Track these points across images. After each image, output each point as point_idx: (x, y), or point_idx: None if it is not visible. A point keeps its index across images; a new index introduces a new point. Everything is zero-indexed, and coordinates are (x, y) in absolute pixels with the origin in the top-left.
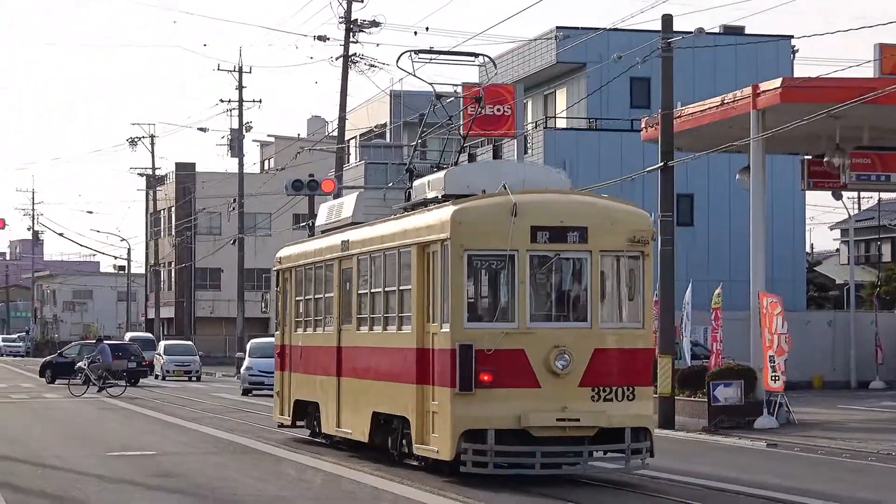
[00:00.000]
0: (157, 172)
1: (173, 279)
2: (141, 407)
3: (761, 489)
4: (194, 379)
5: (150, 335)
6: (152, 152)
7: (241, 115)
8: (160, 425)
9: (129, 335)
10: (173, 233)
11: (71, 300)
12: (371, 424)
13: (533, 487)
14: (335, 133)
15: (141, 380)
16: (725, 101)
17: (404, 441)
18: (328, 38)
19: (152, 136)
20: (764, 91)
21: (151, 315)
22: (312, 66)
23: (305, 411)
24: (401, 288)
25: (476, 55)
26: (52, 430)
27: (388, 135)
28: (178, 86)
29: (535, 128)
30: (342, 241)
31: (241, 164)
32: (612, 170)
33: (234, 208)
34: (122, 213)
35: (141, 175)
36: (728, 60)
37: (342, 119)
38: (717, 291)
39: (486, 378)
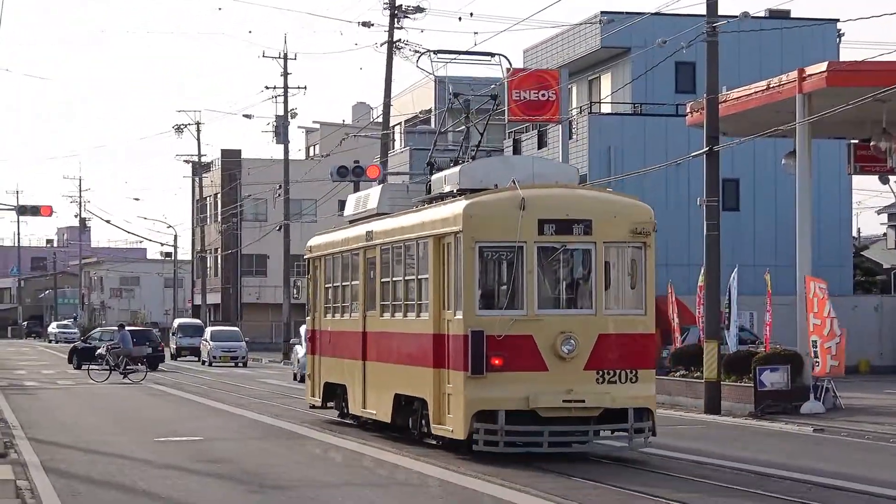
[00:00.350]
0: (203, 159)
1: (219, 265)
2: (188, 393)
3: (807, 474)
4: (241, 365)
5: (199, 321)
6: (198, 139)
7: (286, 102)
8: (207, 411)
9: (177, 321)
10: (219, 219)
11: (118, 287)
12: (393, 406)
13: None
14: (380, 119)
15: (159, 364)
16: (771, 86)
17: (424, 421)
18: (373, 24)
19: (198, 124)
20: (810, 75)
21: (198, 301)
22: (357, 53)
23: (335, 393)
24: (419, 277)
25: (492, 55)
26: (100, 415)
27: (432, 120)
28: (224, 73)
29: (580, 113)
30: (367, 232)
31: (286, 151)
32: (657, 155)
33: (279, 195)
34: (169, 200)
35: (187, 162)
36: (773, 44)
37: (387, 105)
38: (767, 276)
39: (496, 362)
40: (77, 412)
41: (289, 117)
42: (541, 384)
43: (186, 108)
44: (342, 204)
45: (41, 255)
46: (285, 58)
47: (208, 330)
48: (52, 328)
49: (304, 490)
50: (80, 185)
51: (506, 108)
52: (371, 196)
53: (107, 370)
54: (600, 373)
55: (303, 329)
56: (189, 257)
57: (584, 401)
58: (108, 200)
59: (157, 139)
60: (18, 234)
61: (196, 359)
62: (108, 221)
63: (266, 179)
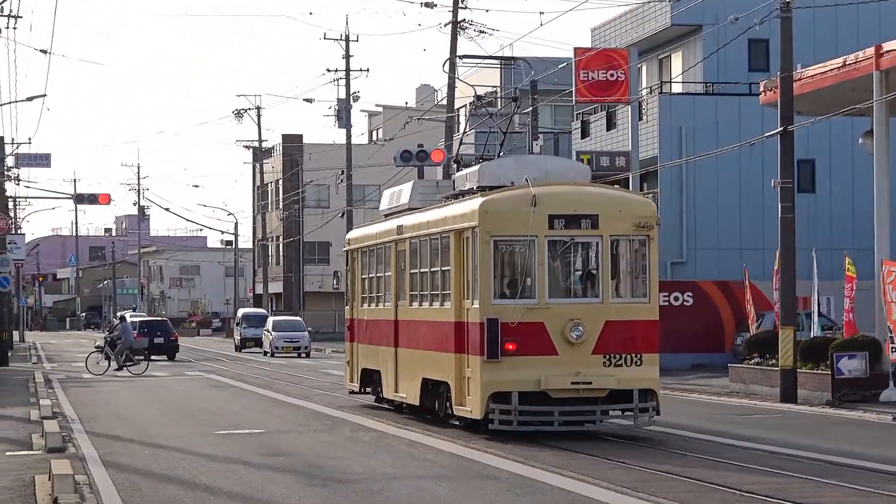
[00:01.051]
0: (264, 145)
1: (281, 254)
2: (249, 384)
3: (886, 464)
4: (304, 356)
5: (263, 311)
6: (258, 124)
7: (348, 85)
8: (269, 403)
9: (241, 311)
10: (281, 206)
11: (178, 276)
12: (421, 389)
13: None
14: (444, 101)
15: (176, 355)
16: (847, 63)
17: (448, 403)
18: (436, 5)
19: (258, 108)
20: (888, 51)
21: (259, 290)
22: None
23: (371, 379)
24: (443, 269)
25: (515, 59)
26: (160, 408)
27: (499, 102)
28: (284, 56)
29: (650, 93)
30: (398, 226)
31: (348, 135)
32: (729, 135)
33: (342, 180)
34: (229, 187)
35: (247, 147)
36: (849, 20)
37: (451, 87)
38: (847, 259)
39: (510, 347)
40: (137, 405)
41: (351, 101)
42: (551, 367)
43: (246, 93)
44: None
45: (100, 244)
46: (347, 40)
47: (270, 320)
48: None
49: (369, 483)
50: (138, 173)
51: (573, 88)
52: (403, 191)
53: (116, 361)
54: (607, 357)
55: None
56: (250, 245)
57: (591, 382)
58: (167, 188)
59: (217, 125)
60: (76, 223)
61: (262, 350)
62: (167, 209)
63: (328, 165)
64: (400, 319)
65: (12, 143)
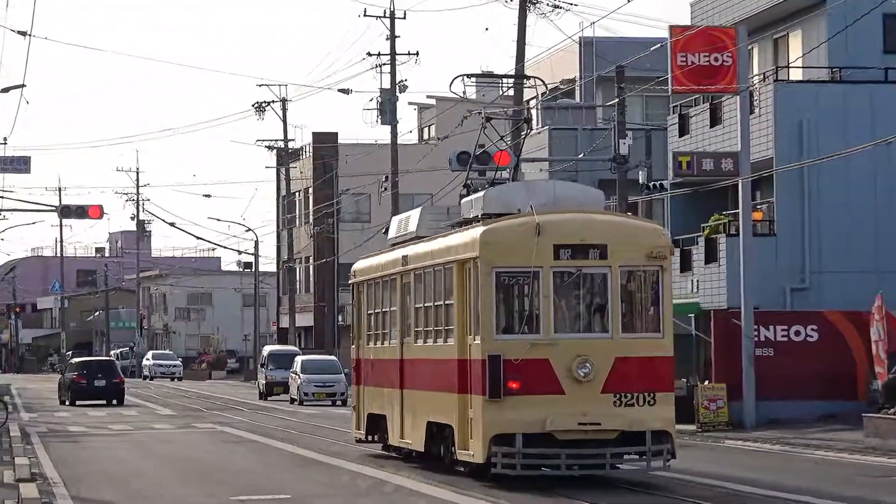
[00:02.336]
0: (291, 145)
1: (312, 278)
2: (271, 438)
3: None
4: (340, 403)
5: (294, 349)
6: (284, 120)
7: (393, 72)
8: (297, 461)
9: (267, 350)
10: (311, 220)
11: (185, 306)
12: (426, 434)
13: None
14: (511, 92)
15: (123, 399)
16: None
17: (453, 448)
18: None
19: (284, 101)
20: None
21: (285, 323)
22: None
23: (378, 425)
24: (446, 302)
25: (528, 77)
26: (163, 467)
27: (577, 93)
28: (316, 38)
29: (763, 80)
30: (403, 256)
31: (394, 133)
32: (861, 131)
33: (385, 188)
34: (248, 197)
35: (270, 148)
36: None
37: (519, 75)
38: None
39: (513, 385)
40: (134, 464)
41: (397, 91)
42: (557, 407)
43: (270, 82)
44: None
45: (89, 267)
46: (392, 17)
47: (298, 360)
48: (149, 360)
49: None
50: (137, 180)
51: (669, 75)
52: (411, 218)
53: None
54: (617, 396)
55: None
56: (273, 268)
57: (599, 423)
58: (172, 198)
59: (234, 121)
60: (61, 240)
61: (289, 397)
62: (172, 224)
63: (369, 169)
64: (405, 358)
65: None
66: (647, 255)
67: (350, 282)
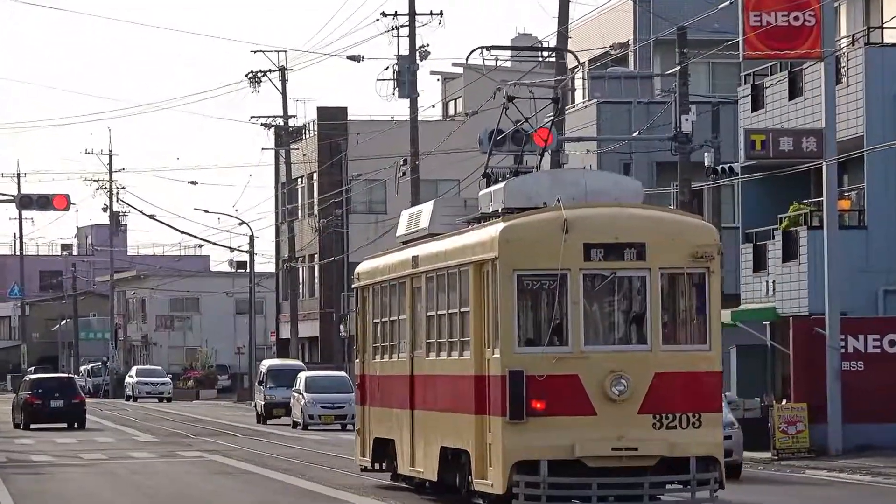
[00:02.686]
0: (292, 123)
1: (317, 280)
2: (269, 469)
3: None
4: (350, 426)
5: (298, 363)
6: (283, 93)
7: (412, 36)
8: (297, 495)
9: (267, 364)
10: (316, 211)
11: (168, 313)
12: (439, 461)
13: None
14: (553, 59)
15: (86, 420)
16: None
17: (469, 477)
18: None
19: (283, 69)
20: None
21: (285, 333)
22: None
23: (385, 451)
24: (461, 310)
25: (560, 50)
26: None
27: (631, 59)
28: None
29: (852, 44)
30: (413, 257)
31: (414, 108)
32: None
33: (404, 173)
34: (242, 185)
35: (267, 126)
36: None
37: (562, 38)
38: None
39: (538, 406)
40: (108, 498)
41: (417, 58)
42: (588, 430)
43: (266, 47)
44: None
45: (54, 267)
46: None
47: (301, 377)
48: (133, 377)
49: None
50: (109, 164)
51: (740, 37)
52: (423, 213)
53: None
54: (657, 417)
55: None
56: (272, 268)
57: (636, 449)
58: (151, 186)
59: (224, 94)
60: (21, 236)
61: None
62: (151, 217)
63: (384, 151)
64: (416, 374)
65: None
66: (692, 256)
67: (353, 286)
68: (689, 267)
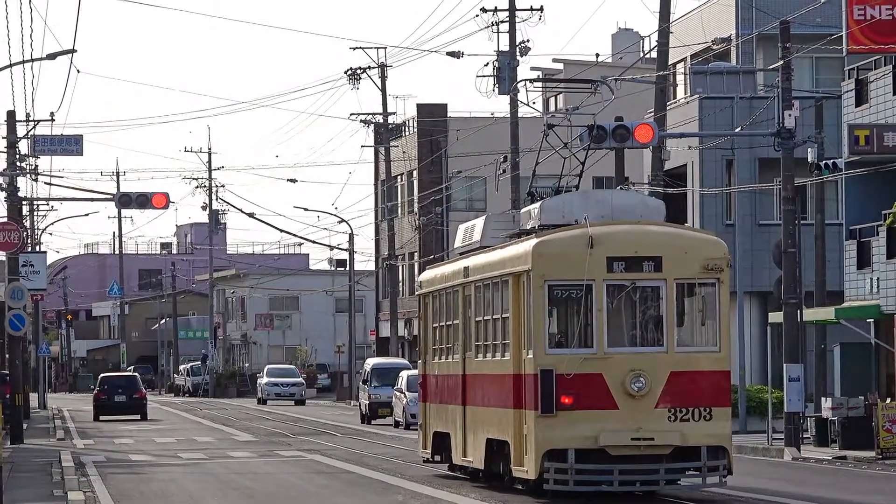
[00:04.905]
0: (392, 120)
1: (417, 278)
2: (370, 469)
3: None
4: None
5: (403, 361)
6: (383, 90)
7: (512, 32)
8: (402, 496)
9: (371, 363)
10: (416, 209)
11: (268, 312)
12: (486, 451)
13: None
14: (654, 54)
15: (146, 412)
16: None
17: (510, 465)
18: None
19: (383, 66)
20: None
21: (385, 332)
22: None
23: (443, 443)
24: (503, 316)
25: (594, 82)
26: None
27: (733, 54)
28: None
29: None
30: (464, 268)
31: (514, 105)
32: None
33: (504, 170)
34: (342, 182)
35: (367, 124)
36: None
37: (664, 33)
38: None
39: (566, 400)
40: (209, 501)
41: (517, 54)
42: (610, 422)
43: (365, 44)
44: (599, 181)
45: (153, 266)
46: None
47: (403, 376)
48: (264, 380)
49: None
50: (209, 162)
51: (844, 31)
52: (476, 227)
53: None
54: (672, 410)
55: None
56: (371, 266)
57: (653, 439)
58: (250, 184)
59: (323, 92)
60: (120, 235)
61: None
62: (251, 215)
63: (483, 147)
64: (468, 374)
65: (27, 121)
66: (704, 268)
67: (416, 293)
68: (701, 277)
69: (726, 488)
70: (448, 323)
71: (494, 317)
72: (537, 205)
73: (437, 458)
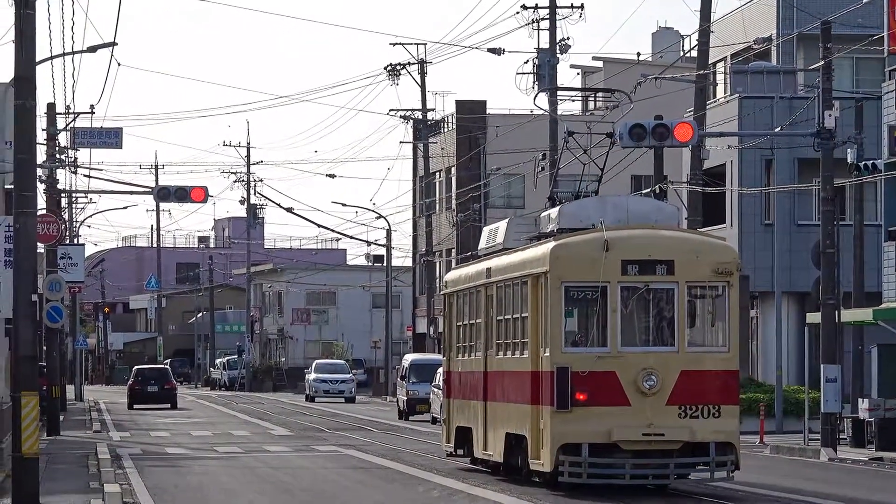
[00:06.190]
0: (431, 116)
1: None
2: (406, 465)
3: None
4: None
5: (440, 358)
6: (422, 86)
7: (553, 29)
8: (440, 491)
9: (410, 359)
10: (454, 206)
11: (304, 307)
12: (505, 445)
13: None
14: (694, 53)
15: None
16: None
17: (527, 458)
18: None
19: (422, 62)
20: None
21: (422, 328)
22: None
23: (466, 437)
24: (522, 315)
25: (612, 91)
26: (283, 498)
27: (774, 54)
28: None
29: None
30: (486, 269)
31: (553, 102)
32: None
33: (542, 167)
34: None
35: (406, 120)
36: None
37: (704, 32)
38: None
39: (581, 397)
40: (246, 494)
41: (557, 52)
42: (623, 418)
43: (405, 40)
44: (637, 180)
45: (191, 259)
46: None
47: (439, 372)
48: (312, 376)
49: None
50: (247, 156)
51: (885, 32)
52: (499, 230)
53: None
54: (682, 408)
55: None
56: (409, 262)
57: (663, 434)
58: (288, 178)
59: (362, 87)
60: (158, 228)
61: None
62: (289, 210)
63: (523, 145)
64: (489, 371)
65: (66, 114)
66: (714, 271)
67: (441, 292)
68: (711, 281)
69: (762, 489)
70: (471, 322)
71: (514, 316)
72: (556, 209)
73: (460, 451)
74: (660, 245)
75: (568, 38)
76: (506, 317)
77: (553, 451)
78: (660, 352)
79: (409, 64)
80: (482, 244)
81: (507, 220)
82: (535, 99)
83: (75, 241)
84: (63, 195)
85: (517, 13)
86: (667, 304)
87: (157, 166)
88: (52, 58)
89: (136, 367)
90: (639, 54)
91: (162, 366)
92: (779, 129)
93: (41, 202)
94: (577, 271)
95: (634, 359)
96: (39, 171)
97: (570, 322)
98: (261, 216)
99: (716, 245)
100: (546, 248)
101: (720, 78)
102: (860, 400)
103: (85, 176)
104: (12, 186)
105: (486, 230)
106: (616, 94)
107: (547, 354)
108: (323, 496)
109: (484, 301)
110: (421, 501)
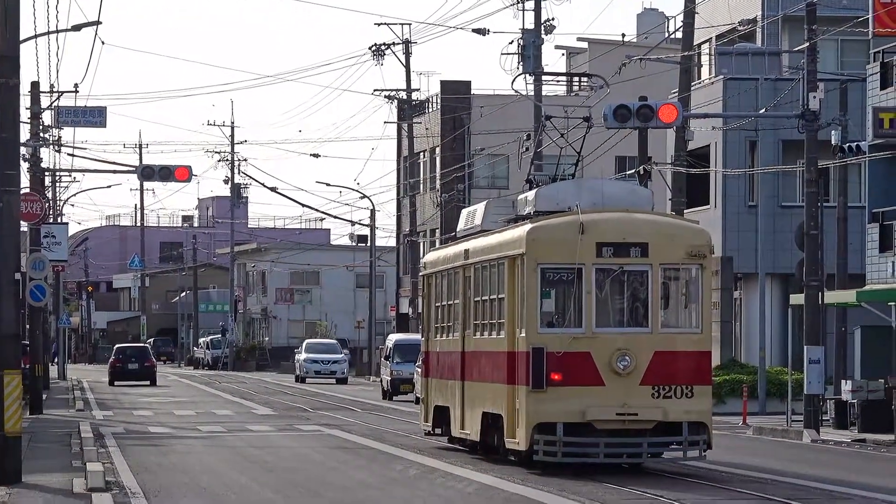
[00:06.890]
0: (415, 96)
1: None
2: (390, 445)
3: None
4: None
5: (420, 338)
6: (407, 66)
7: (538, 10)
8: (421, 471)
9: (393, 339)
10: (438, 186)
11: (288, 286)
12: (481, 424)
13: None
14: (679, 34)
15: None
16: None
17: (503, 437)
18: None
19: (407, 42)
20: None
21: (405, 308)
22: None
23: (444, 417)
24: (499, 296)
25: (590, 76)
26: (261, 478)
27: (758, 36)
28: None
29: None
30: (464, 250)
31: (538, 83)
32: None
33: (527, 147)
34: (364, 158)
35: (390, 100)
36: None
37: (689, 13)
38: None
39: (556, 377)
40: (227, 472)
41: (542, 32)
42: (597, 398)
43: (389, 20)
44: (622, 161)
45: (174, 239)
46: None
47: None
48: (302, 356)
49: None
50: (231, 135)
51: (870, 14)
52: (477, 212)
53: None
54: (656, 388)
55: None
56: (393, 242)
57: (636, 414)
58: (272, 158)
59: (346, 67)
60: (142, 207)
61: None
62: (273, 189)
63: (507, 126)
64: (466, 351)
65: (51, 92)
66: (688, 254)
67: (420, 274)
68: (685, 263)
69: (745, 469)
70: (449, 302)
71: (491, 297)
72: (533, 192)
73: (438, 430)
74: (634, 228)
75: (553, 19)
76: (483, 298)
77: (528, 431)
78: (634, 333)
79: (393, 44)
80: (461, 226)
81: (485, 202)
82: (513, 83)
83: (59, 220)
84: (47, 174)
85: None
86: (641, 286)
87: (141, 145)
88: (36, 36)
89: (117, 345)
90: (623, 35)
91: (142, 344)
92: (763, 110)
93: (25, 181)
94: (553, 253)
95: (609, 339)
96: (23, 150)
97: (545, 303)
98: (245, 195)
99: (689, 228)
100: (523, 230)
101: (705, 59)
102: (843, 381)
103: (69, 155)
104: None
105: (464, 212)
106: (593, 78)
107: (523, 335)
108: (305, 474)
109: (462, 282)
110: (399, 480)
